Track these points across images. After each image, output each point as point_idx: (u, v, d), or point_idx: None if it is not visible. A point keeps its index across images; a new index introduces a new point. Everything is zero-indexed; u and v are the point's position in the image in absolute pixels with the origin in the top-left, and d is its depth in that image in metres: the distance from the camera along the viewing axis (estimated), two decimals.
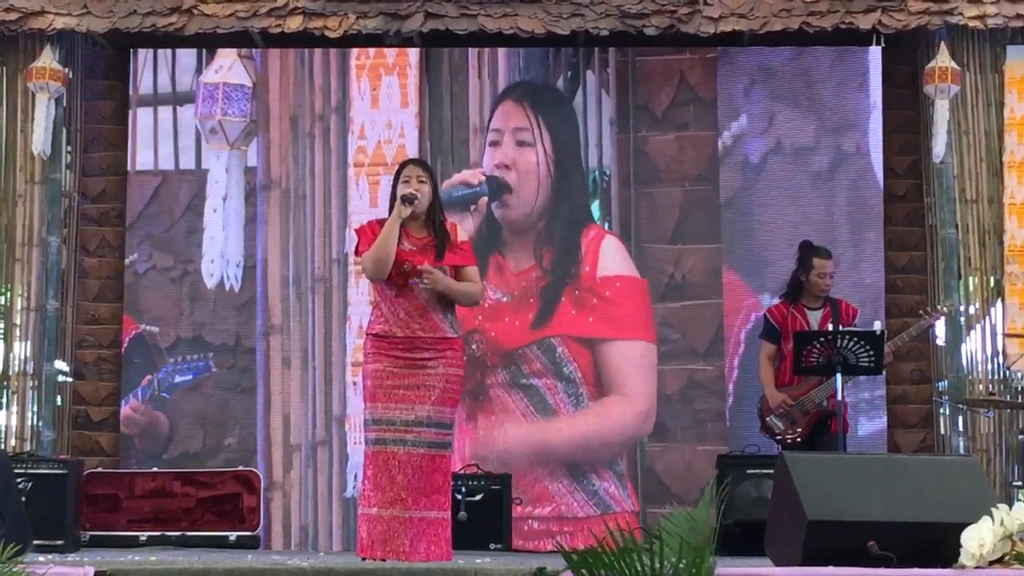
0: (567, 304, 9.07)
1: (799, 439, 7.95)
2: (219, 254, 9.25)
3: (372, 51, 9.32)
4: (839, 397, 7.57)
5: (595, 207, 9.25)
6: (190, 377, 9.16)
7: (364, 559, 6.08)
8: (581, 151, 9.23)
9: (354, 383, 8.99)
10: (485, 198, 9.10)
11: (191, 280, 9.24)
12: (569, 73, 9.36)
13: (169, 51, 9.36)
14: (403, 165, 6.52)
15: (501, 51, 9.32)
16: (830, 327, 7.95)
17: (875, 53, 9.18)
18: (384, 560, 6.04)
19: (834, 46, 9.21)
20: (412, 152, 9.14)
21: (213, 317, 9.21)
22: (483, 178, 9.14)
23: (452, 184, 9.08)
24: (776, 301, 8.42)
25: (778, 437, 8.02)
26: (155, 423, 9.11)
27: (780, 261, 8.86)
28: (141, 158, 9.35)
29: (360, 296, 9.10)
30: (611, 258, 9.13)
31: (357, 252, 6.44)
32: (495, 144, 9.23)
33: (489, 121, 9.28)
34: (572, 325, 9.04)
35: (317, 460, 9.04)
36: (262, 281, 9.20)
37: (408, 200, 6.25)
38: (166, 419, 9.12)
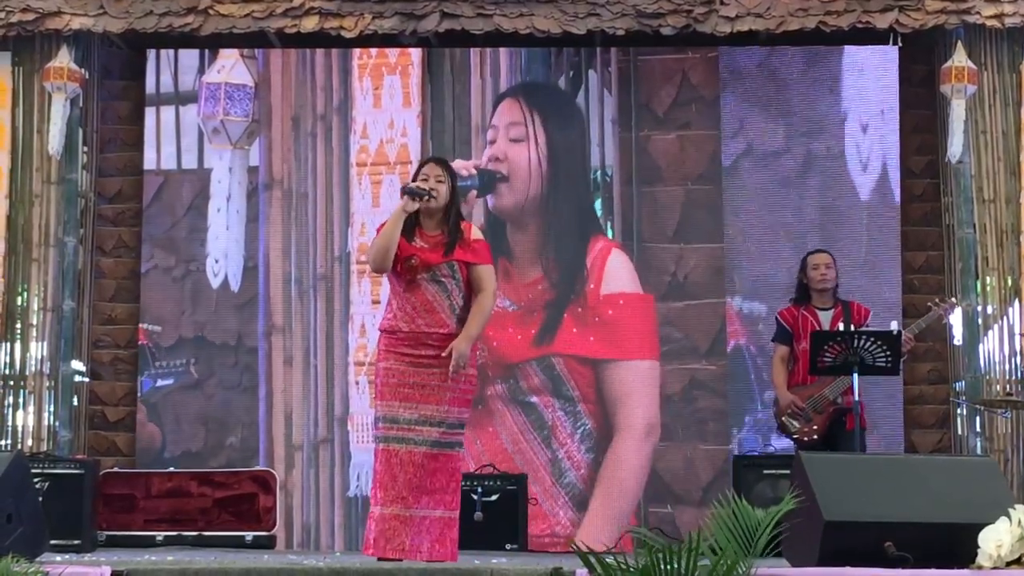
0: (569, 321, 9.04)
1: (815, 437, 7.94)
2: (223, 254, 9.27)
3: (374, 51, 9.33)
4: (855, 397, 7.56)
5: (597, 206, 9.24)
6: (171, 382, 9.18)
7: (379, 559, 6.07)
8: (586, 154, 9.22)
9: (356, 382, 9.04)
10: (474, 192, 9.09)
11: (193, 279, 9.26)
12: (571, 72, 9.36)
13: (172, 51, 9.39)
14: (423, 162, 6.51)
15: (503, 51, 9.31)
16: (841, 327, 7.94)
17: (892, 52, 9.16)
18: (401, 560, 6.03)
19: (851, 45, 9.20)
20: (414, 152, 9.16)
21: (215, 316, 9.23)
22: (474, 171, 9.13)
23: None
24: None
25: (794, 436, 8.02)
26: (146, 436, 9.14)
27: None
28: (145, 157, 9.39)
29: (362, 295, 9.12)
30: (616, 274, 9.10)
31: None
32: (492, 142, 9.24)
33: (490, 120, 9.28)
34: (574, 344, 9.02)
35: (319, 459, 9.06)
36: (264, 280, 9.22)
37: (413, 194, 6.22)
38: (157, 428, 9.14)
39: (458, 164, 9.03)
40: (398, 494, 6.13)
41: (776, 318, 8.27)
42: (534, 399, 8.99)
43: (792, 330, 8.11)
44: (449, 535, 6.20)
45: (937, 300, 8.35)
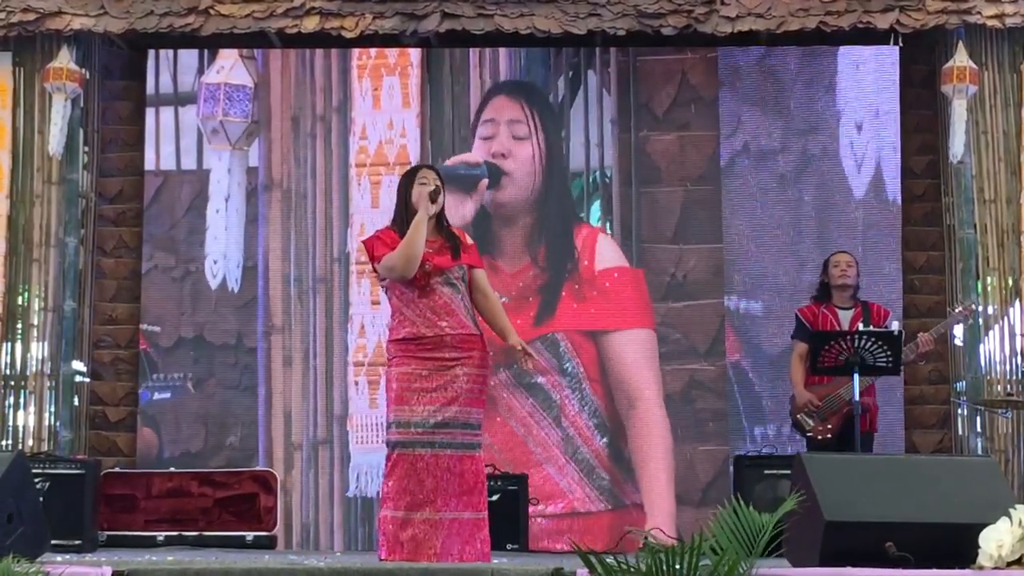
0: (568, 298, 9.09)
1: (830, 436, 7.93)
2: (222, 254, 9.27)
3: (374, 51, 9.34)
4: (856, 398, 7.56)
5: (596, 207, 9.26)
6: (168, 396, 9.18)
7: (382, 559, 6.06)
8: (564, 153, 9.25)
9: (355, 383, 9.05)
10: (485, 180, 9.12)
11: (193, 280, 9.27)
12: (570, 73, 9.37)
13: (171, 51, 9.39)
14: (417, 168, 6.53)
15: (503, 51, 9.32)
16: (861, 327, 7.92)
17: (893, 52, 9.17)
18: (403, 561, 6.02)
19: (851, 45, 9.20)
20: (414, 152, 9.17)
21: (215, 317, 9.24)
22: (482, 162, 9.16)
23: (454, 163, 9.11)
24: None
25: (808, 434, 8.01)
26: (143, 444, 9.15)
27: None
28: (145, 158, 9.40)
29: (361, 296, 9.13)
30: (607, 252, 9.16)
31: (375, 259, 6.37)
32: (489, 137, 9.24)
33: (479, 114, 9.29)
34: (575, 318, 9.07)
35: (318, 459, 9.07)
36: (263, 281, 9.23)
37: (434, 197, 6.27)
38: (153, 434, 9.14)
39: (467, 156, 9.08)
40: (426, 498, 6.10)
41: (796, 315, 8.25)
42: (539, 380, 8.99)
43: (812, 327, 8.09)
44: (479, 536, 6.18)
45: (959, 306, 8.37)
